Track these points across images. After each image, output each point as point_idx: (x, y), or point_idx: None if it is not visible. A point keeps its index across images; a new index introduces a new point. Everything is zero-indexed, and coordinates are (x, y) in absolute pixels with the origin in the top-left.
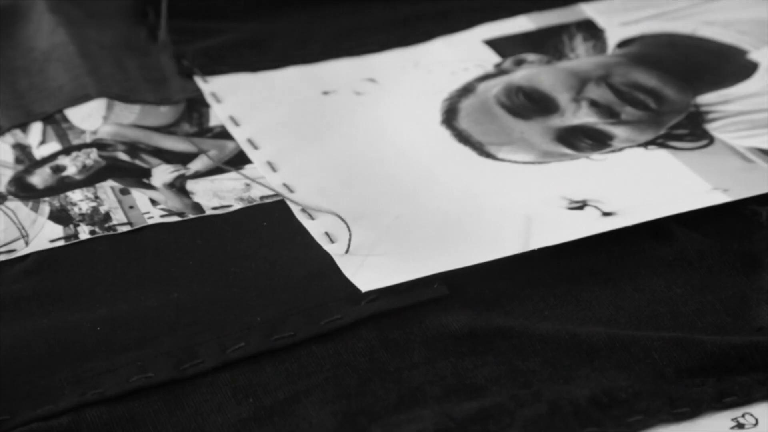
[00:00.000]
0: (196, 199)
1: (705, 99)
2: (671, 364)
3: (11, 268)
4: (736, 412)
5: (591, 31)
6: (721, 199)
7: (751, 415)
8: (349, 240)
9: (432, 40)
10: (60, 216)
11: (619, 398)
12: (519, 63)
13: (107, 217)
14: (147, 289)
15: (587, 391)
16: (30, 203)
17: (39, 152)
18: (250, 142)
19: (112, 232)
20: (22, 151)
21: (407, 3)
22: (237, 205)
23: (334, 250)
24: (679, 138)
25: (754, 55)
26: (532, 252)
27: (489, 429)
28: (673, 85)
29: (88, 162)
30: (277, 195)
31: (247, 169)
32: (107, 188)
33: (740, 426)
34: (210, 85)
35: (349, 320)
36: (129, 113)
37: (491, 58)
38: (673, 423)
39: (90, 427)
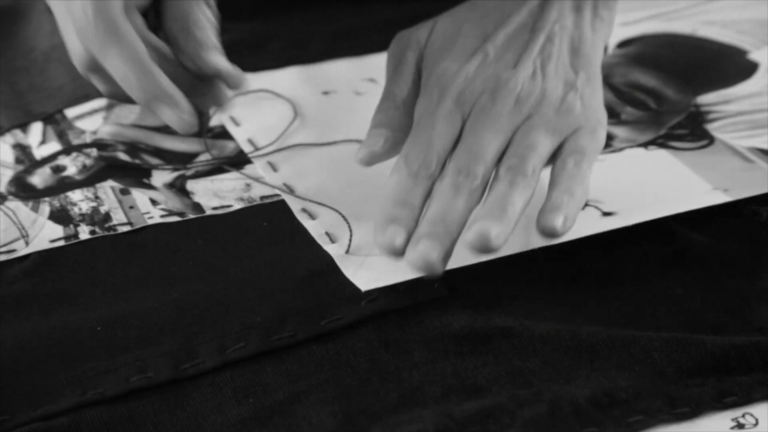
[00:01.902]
0: (196, 199)
1: (705, 99)
2: (671, 364)
3: (11, 268)
4: (736, 412)
5: None
6: (721, 198)
7: (751, 415)
8: (350, 240)
9: None
10: (60, 216)
11: (619, 398)
12: None
13: (107, 217)
14: (147, 290)
15: (587, 391)
16: (30, 203)
17: (39, 152)
18: (251, 142)
19: (112, 233)
20: (23, 151)
21: (407, 3)
22: (237, 205)
23: (334, 250)
24: (680, 138)
25: (754, 55)
26: (532, 252)
27: (489, 429)
28: (673, 85)
29: (88, 162)
30: (277, 195)
31: (248, 169)
32: (107, 188)
33: (740, 426)
34: None
35: (350, 320)
36: (129, 113)
37: None
38: (673, 423)
39: (90, 427)
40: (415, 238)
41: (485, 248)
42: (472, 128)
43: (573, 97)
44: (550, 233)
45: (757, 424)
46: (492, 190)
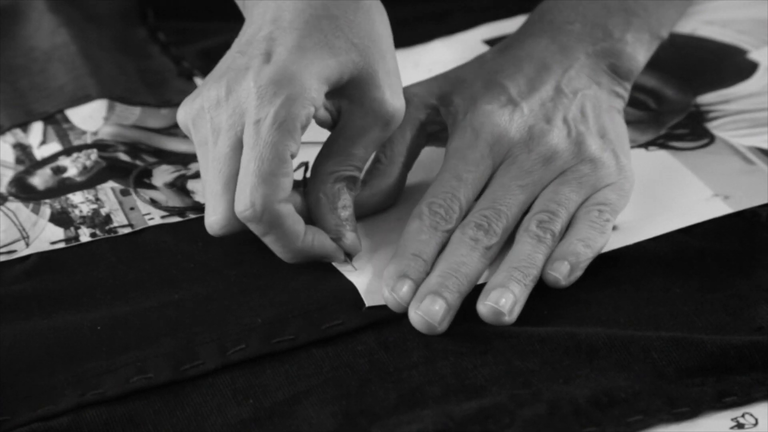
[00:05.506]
0: (197, 198)
1: (705, 99)
2: (671, 363)
3: (12, 268)
4: (736, 412)
5: None
6: (722, 209)
7: (751, 414)
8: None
9: (432, 41)
10: (61, 218)
11: (619, 398)
12: None
13: (108, 219)
14: (147, 290)
15: (587, 391)
16: (31, 205)
17: (40, 152)
18: None
19: (113, 234)
20: (23, 150)
21: (407, 4)
22: None
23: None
24: (680, 138)
25: (753, 55)
26: None
27: (489, 429)
28: (673, 85)
29: (88, 163)
30: None
31: None
32: (108, 189)
33: (740, 426)
34: None
35: (351, 326)
36: (130, 114)
37: None
38: (673, 423)
39: (90, 427)
40: (421, 291)
41: (500, 322)
42: (500, 179)
43: (609, 156)
44: (552, 284)
45: (756, 423)
46: (517, 245)
